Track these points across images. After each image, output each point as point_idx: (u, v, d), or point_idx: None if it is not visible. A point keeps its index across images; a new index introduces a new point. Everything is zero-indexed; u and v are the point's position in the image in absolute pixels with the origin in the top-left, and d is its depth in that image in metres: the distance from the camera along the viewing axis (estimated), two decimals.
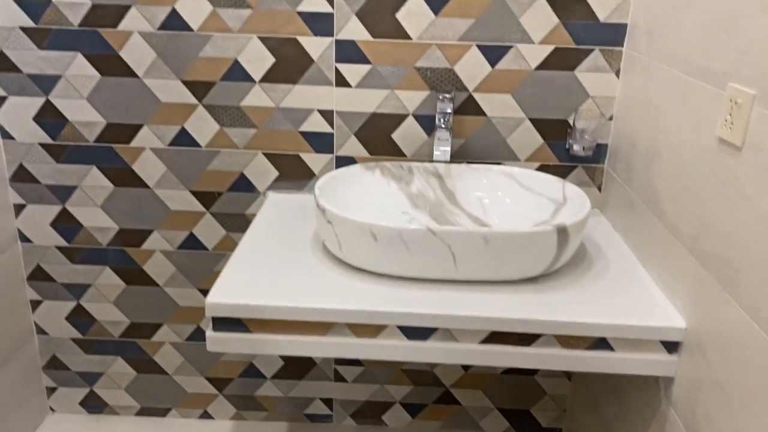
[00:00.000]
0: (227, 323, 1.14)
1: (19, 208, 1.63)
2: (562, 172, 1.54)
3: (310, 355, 1.14)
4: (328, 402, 1.82)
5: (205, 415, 1.85)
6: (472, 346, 1.13)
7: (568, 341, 1.12)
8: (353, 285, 1.18)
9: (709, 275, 1.01)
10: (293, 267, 1.24)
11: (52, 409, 1.85)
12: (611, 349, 1.12)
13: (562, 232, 1.15)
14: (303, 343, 1.14)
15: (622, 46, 1.43)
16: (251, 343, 1.15)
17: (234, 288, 1.16)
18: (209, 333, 1.15)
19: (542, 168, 1.54)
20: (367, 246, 1.17)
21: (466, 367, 1.75)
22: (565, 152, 1.52)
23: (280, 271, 1.22)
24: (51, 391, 1.83)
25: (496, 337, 1.12)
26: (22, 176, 1.59)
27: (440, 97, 1.41)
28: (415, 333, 1.13)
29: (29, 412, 1.76)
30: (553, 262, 1.19)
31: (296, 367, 1.78)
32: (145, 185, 1.60)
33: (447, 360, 1.13)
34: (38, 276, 1.69)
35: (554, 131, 1.51)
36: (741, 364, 0.91)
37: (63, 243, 1.66)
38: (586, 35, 1.43)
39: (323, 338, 1.14)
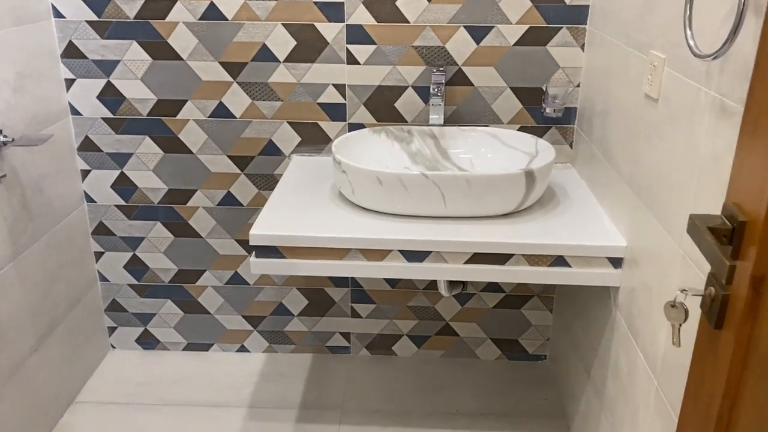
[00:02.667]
0: (266, 251, 1.45)
1: (85, 173, 1.94)
2: (538, 132, 1.83)
3: (331, 275, 1.45)
4: (346, 335, 2.13)
5: (242, 349, 2.17)
6: (458, 265, 1.43)
7: (533, 260, 1.41)
8: (364, 221, 1.48)
9: (641, 201, 1.30)
10: (316, 209, 1.54)
11: (112, 346, 2.18)
12: (568, 265, 1.41)
13: (530, 175, 1.45)
14: (325, 266, 1.45)
15: (586, 24, 1.71)
16: (285, 266, 1.45)
17: (271, 224, 1.46)
18: (252, 259, 1.45)
19: (522, 129, 1.83)
20: (374, 190, 1.47)
21: (462, 303, 2.06)
22: (541, 115, 1.81)
23: (306, 212, 1.53)
24: (112, 330, 2.16)
25: (477, 258, 1.42)
26: (87, 146, 1.91)
27: (434, 71, 1.70)
28: (414, 256, 1.43)
29: (94, 348, 2.09)
30: (523, 200, 1.48)
31: (319, 306, 2.09)
32: (189, 151, 1.91)
33: (438, 276, 1.44)
34: (101, 231, 2.01)
35: (531, 97, 1.80)
36: (659, 267, 1.20)
37: (121, 202, 1.97)
38: (555, 15, 1.71)
39: (341, 261, 1.45)
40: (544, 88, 1.78)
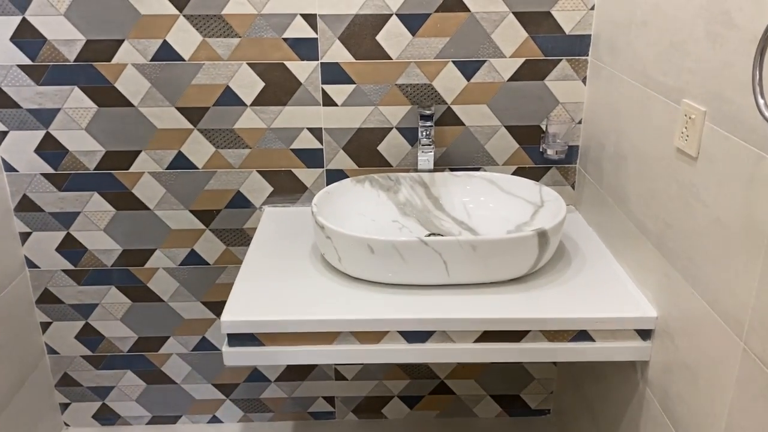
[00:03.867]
0: (241, 338, 1.23)
1: (24, 236, 1.70)
2: (537, 174, 1.66)
3: (319, 362, 1.25)
4: (330, 400, 1.93)
5: (214, 420, 1.94)
6: (467, 345, 1.24)
7: (552, 335, 1.23)
8: (354, 294, 1.28)
9: (674, 270, 1.13)
10: (297, 279, 1.34)
11: (66, 424, 1.93)
12: (592, 339, 1.24)
13: (542, 236, 1.27)
14: (312, 352, 1.24)
15: (587, 55, 1.54)
16: (264, 355, 1.24)
17: (245, 305, 1.25)
18: (225, 348, 1.24)
19: (519, 170, 1.65)
20: (364, 258, 1.27)
21: None
22: (539, 155, 1.64)
23: (285, 284, 1.32)
24: (64, 407, 1.91)
25: (488, 336, 1.23)
26: (26, 206, 1.66)
27: (421, 113, 1.51)
28: (415, 336, 1.24)
29: (45, 428, 1.84)
30: (536, 262, 1.30)
31: (299, 369, 1.88)
32: (145, 207, 1.68)
33: (445, 359, 1.25)
34: (46, 299, 1.77)
35: (528, 136, 1.62)
36: (704, 348, 1.03)
37: (69, 266, 1.73)
38: (554, 47, 1.53)
39: (330, 346, 1.24)
40: (543, 126, 1.61)
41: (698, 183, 1.04)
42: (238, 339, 1.24)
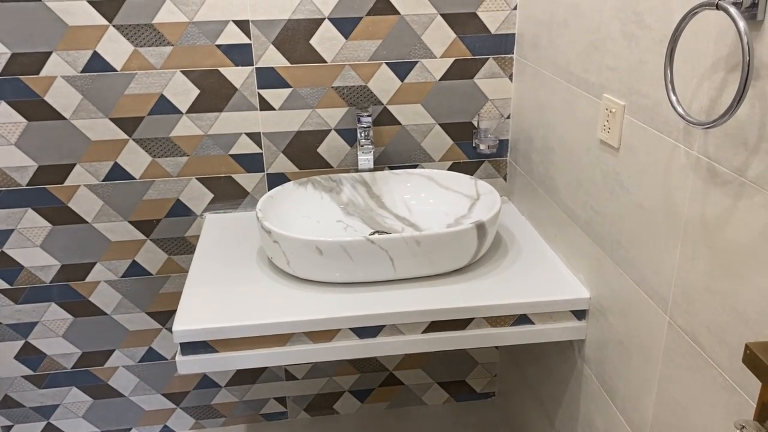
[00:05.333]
0: (194, 347, 1.25)
1: None
2: (471, 168, 1.73)
3: (274, 364, 1.27)
4: (281, 400, 1.95)
5: (166, 429, 1.93)
6: (416, 336, 1.29)
7: (495, 321, 1.30)
8: (304, 295, 1.32)
9: (603, 253, 1.22)
10: (246, 284, 1.36)
11: None
12: (531, 322, 1.31)
13: (481, 228, 1.33)
14: (266, 355, 1.27)
15: (513, 53, 1.62)
16: (218, 361, 1.26)
17: (195, 313, 1.26)
18: (179, 358, 1.25)
19: (454, 166, 1.72)
20: (313, 259, 1.30)
21: None
22: (473, 150, 1.71)
23: (235, 289, 1.34)
24: (7, 429, 1.86)
25: (435, 326, 1.29)
26: None
27: (358, 114, 1.55)
28: (366, 332, 1.28)
29: None
30: (476, 253, 1.37)
31: (249, 372, 1.89)
32: (83, 221, 1.65)
33: (395, 351, 1.30)
34: None
35: (461, 133, 1.69)
36: (634, 324, 1.12)
37: (5, 285, 1.68)
38: (481, 46, 1.60)
39: (284, 348, 1.27)
40: (474, 123, 1.68)
41: (621, 171, 1.13)
42: (191, 347, 1.25)
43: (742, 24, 0.73)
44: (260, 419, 1.97)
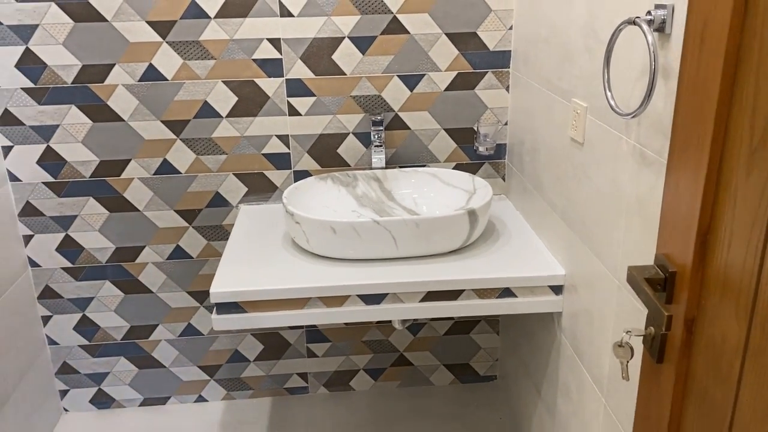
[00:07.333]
0: (227, 307, 1.49)
1: (27, 239, 1.92)
2: (473, 168, 1.95)
3: (294, 324, 1.51)
4: (303, 376, 2.18)
5: (200, 399, 2.18)
6: (414, 304, 1.52)
7: (483, 293, 1.52)
8: (321, 269, 1.55)
9: (575, 234, 1.42)
10: (272, 259, 1.60)
11: (65, 410, 2.14)
12: (515, 295, 1.52)
13: (472, 214, 1.55)
14: (287, 316, 1.50)
15: (509, 68, 1.85)
16: (247, 320, 1.50)
17: (229, 280, 1.51)
18: (214, 316, 1.49)
19: (458, 166, 1.95)
20: (328, 238, 1.54)
21: (414, 333, 2.14)
22: (474, 152, 1.93)
23: (262, 263, 1.58)
24: (63, 393, 2.12)
25: (431, 296, 1.51)
26: (29, 211, 1.89)
27: (373, 119, 1.80)
28: (371, 299, 1.51)
29: (46, 414, 2.05)
30: (468, 236, 1.59)
31: (274, 349, 2.13)
32: (135, 209, 1.92)
33: (396, 316, 1.52)
34: (47, 294, 1.99)
35: (463, 137, 1.92)
36: (596, 293, 1.32)
37: (68, 264, 1.96)
38: (481, 61, 1.84)
39: (302, 311, 1.51)
40: (475, 128, 1.90)
41: (585, 163, 1.34)
42: (224, 307, 1.49)
43: (650, 37, 0.95)
44: (284, 393, 2.20)
